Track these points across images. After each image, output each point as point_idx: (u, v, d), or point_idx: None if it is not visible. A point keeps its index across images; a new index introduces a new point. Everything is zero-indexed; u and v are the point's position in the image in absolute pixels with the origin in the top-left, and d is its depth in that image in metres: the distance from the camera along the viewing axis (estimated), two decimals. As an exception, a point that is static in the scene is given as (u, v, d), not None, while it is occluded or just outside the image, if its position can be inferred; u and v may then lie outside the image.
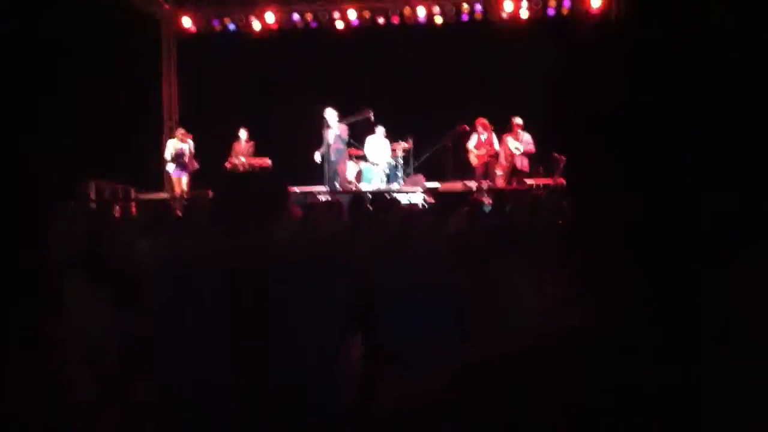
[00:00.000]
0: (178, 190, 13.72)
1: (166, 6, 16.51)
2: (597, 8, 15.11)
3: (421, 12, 15.85)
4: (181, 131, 13.82)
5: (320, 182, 13.76)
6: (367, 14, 16.03)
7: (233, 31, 16.56)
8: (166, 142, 16.75)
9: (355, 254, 3.39)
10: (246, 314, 1.97)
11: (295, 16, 16.17)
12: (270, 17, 16.12)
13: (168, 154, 13.88)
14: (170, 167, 13.81)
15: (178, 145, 13.68)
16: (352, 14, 16.02)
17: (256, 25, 16.33)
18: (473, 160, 13.58)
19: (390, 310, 2.92)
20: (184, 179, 13.76)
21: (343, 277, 2.86)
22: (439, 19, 15.77)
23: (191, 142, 13.76)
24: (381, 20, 16.10)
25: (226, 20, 16.44)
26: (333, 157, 13.46)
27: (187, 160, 13.68)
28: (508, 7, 15.60)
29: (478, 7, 15.72)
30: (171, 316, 2.05)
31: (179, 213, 5.73)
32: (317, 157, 13.44)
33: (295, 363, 1.98)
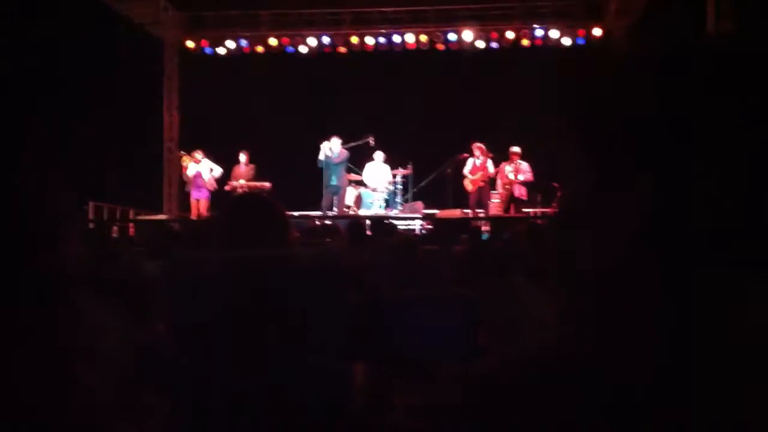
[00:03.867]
0: (195, 213, 13.73)
1: (172, 28, 16.60)
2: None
3: (423, 39, 16.02)
4: (197, 153, 13.79)
5: (319, 207, 13.77)
6: (369, 40, 16.17)
7: (235, 54, 16.67)
8: (165, 163, 16.82)
9: (360, 270, 3.40)
10: (252, 323, 1.96)
11: (298, 40, 16.30)
12: (272, 41, 16.26)
13: (185, 176, 13.95)
14: (189, 188, 13.92)
15: (194, 167, 13.71)
16: (354, 40, 16.17)
17: (259, 49, 16.47)
18: (468, 185, 13.56)
19: (399, 321, 2.92)
20: (203, 202, 13.75)
21: (353, 288, 2.86)
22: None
23: (208, 162, 13.76)
24: (382, 46, 16.24)
25: (228, 43, 16.54)
26: (333, 182, 13.48)
27: (204, 182, 13.68)
28: (509, 35, 15.80)
29: (480, 34, 15.90)
30: (177, 327, 2.05)
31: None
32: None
33: (303, 373, 1.97)
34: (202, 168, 13.66)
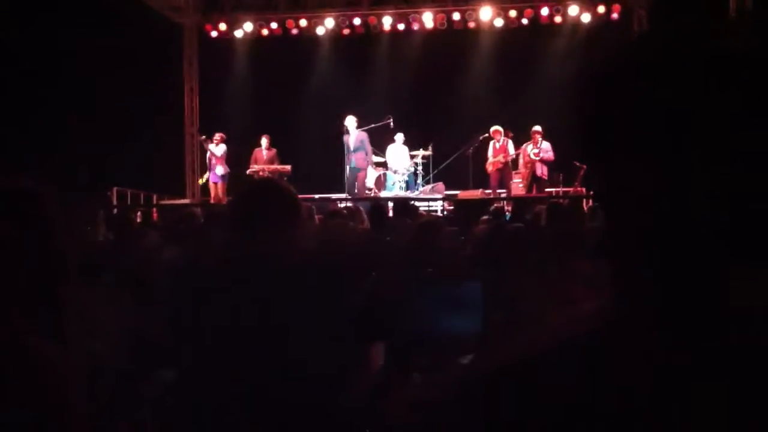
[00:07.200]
0: (214, 195, 13.84)
1: (191, 13, 16.60)
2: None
3: (442, 18, 15.88)
4: (217, 136, 13.93)
5: (341, 189, 13.79)
6: (387, 20, 16.05)
7: (254, 38, 16.64)
8: (187, 148, 16.92)
9: (377, 256, 3.40)
10: (261, 317, 1.96)
11: (315, 22, 16.24)
12: (290, 24, 16.22)
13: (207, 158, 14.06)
14: (208, 173, 14.02)
15: (212, 149, 13.85)
16: (372, 20, 16.08)
17: (277, 32, 16.44)
18: (488, 167, 13.59)
19: (414, 302, 2.91)
20: (220, 184, 13.89)
21: (363, 280, 2.85)
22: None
23: (224, 146, 13.90)
24: (401, 27, 16.13)
25: (247, 26, 16.52)
26: (353, 164, 13.48)
27: (218, 163, 13.79)
28: (528, 13, 15.62)
29: (500, 12, 15.74)
30: (184, 318, 2.05)
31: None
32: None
33: (308, 366, 1.97)
34: (217, 150, 13.78)
